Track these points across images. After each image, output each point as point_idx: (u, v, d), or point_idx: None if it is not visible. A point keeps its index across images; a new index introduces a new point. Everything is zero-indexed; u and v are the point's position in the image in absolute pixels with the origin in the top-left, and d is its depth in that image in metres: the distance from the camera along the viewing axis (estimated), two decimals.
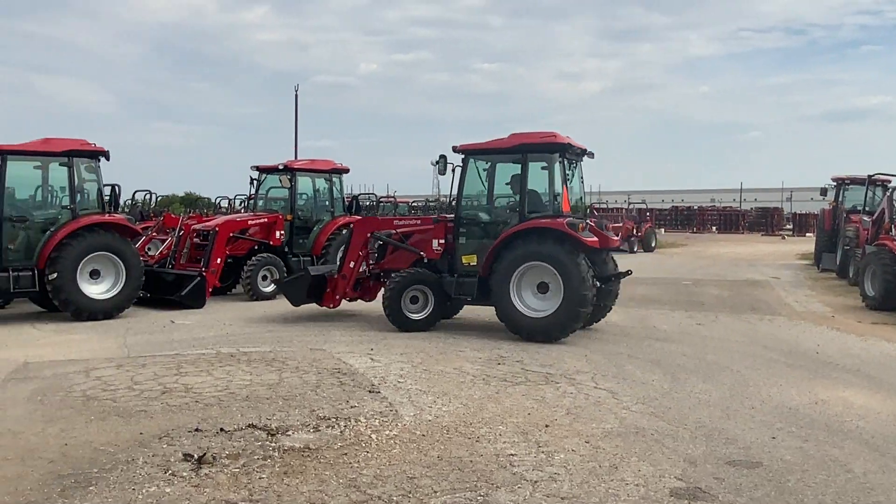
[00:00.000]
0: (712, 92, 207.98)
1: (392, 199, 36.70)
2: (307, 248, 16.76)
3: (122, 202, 14.68)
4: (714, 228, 57.03)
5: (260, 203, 17.38)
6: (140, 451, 5.60)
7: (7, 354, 9.32)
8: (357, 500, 4.73)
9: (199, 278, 14.00)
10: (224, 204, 29.17)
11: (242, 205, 22.84)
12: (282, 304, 14.76)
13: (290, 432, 6.12)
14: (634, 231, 34.32)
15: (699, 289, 18.22)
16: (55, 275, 11.83)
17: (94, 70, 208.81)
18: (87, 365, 8.61)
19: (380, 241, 12.03)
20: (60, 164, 12.52)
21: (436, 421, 6.49)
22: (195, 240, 15.67)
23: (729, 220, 58.31)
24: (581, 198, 12.02)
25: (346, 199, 18.19)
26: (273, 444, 5.78)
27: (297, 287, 12.34)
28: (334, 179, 17.52)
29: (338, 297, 12.15)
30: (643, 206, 44.99)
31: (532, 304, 10.57)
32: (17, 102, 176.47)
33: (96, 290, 12.30)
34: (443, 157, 11.35)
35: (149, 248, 17.60)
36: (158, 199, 30.57)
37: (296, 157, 29.54)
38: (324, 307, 12.46)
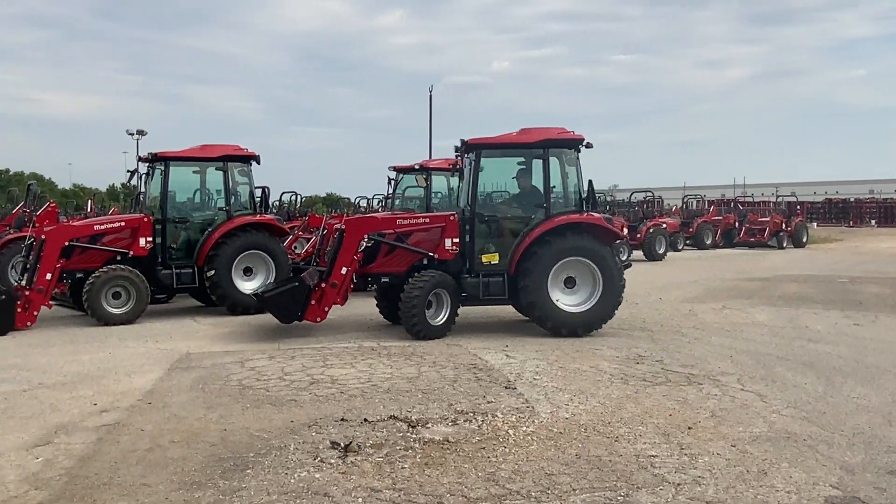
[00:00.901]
0: (869, 75, 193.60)
1: None
2: None
3: (270, 203, 15.43)
4: (873, 222, 53.09)
5: (397, 202, 17.88)
6: (291, 438, 5.92)
7: (172, 345, 10.12)
8: (496, 494, 4.79)
9: None
10: (363, 203, 30.17)
11: (380, 204, 23.54)
12: None
13: (429, 425, 6.28)
14: (783, 226, 32.49)
15: (856, 287, 17.00)
16: (213, 272, 12.70)
17: (243, 79, 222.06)
18: (242, 356, 9.20)
19: (372, 242, 10.48)
20: (216, 169, 13.46)
21: (573, 419, 6.45)
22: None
23: (890, 213, 54.03)
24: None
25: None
26: (414, 436, 5.95)
27: (289, 300, 10.30)
28: None
29: (326, 308, 10.44)
30: (793, 199, 42.42)
31: (564, 299, 10.50)
32: (175, 112, 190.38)
33: (249, 286, 13.08)
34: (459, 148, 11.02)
35: (295, 247, 18.55)
36: (303, 199, 32.03)
37: (430, 156, 30.09)
38: (306, 321, 10.46)
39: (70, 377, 8.20)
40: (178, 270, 12.84)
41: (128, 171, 13.79)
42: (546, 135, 10.67)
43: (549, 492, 4.83)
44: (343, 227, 10.38)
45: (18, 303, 11.24)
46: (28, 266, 11.93)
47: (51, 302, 11.91)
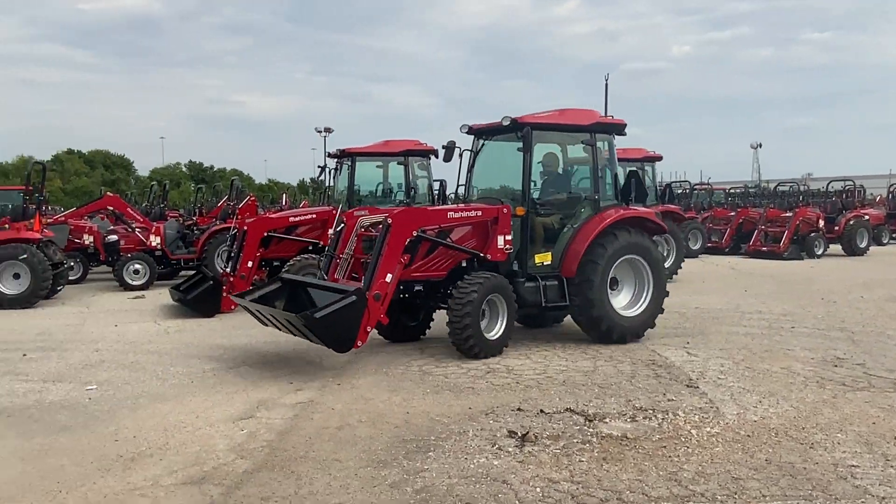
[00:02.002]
0: None
1: (707, 186, 34.94)
2: None
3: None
4: None
5: None
6: (469, 425, 6.07)
7: None
8: (679, 495, 4.64)
9: None
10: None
11: None
12: None
13: (606, 419, 6.19)
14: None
15: None
16: None
17: (421, 76, 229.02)
18: (420, 343, 9.55)
19: (426, 241, 8.54)
20: (398, 163, 14.00)
21: (762, 422, 6.10)
22: None
23: None
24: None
25: (658, 188, 17.79)
26: (591, 430, 5.90)
27: (345, 319, 7.63)
28: (646, 167, 17.21)
29: (368, 329, 7.84)
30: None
31: (612, 302, 9.37)
32: (357, 110, 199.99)
33: None
34: (452, 142, 9.62)
35: None
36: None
37: None
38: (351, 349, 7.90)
39: (269, 357, 8.90)
40: None
41: (318, 166, 14.70)
42: (594, 118, 9.67)
43: (736, 496, 4.61)
44: (389, 220, 8.24)
45: (224, 288, 12.33)
46: (231, 254, 13.04)
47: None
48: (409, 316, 9.61)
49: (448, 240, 8.73)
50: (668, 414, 6.31)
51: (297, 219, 13.65)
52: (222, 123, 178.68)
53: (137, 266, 16.01)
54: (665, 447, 5.50)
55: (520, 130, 8.94)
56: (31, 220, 14.07)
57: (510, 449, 5.46)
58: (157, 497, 4.67)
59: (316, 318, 7.39)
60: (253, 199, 20.04)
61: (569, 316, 9.80)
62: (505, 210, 8.86)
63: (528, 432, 5.75)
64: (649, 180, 17.08)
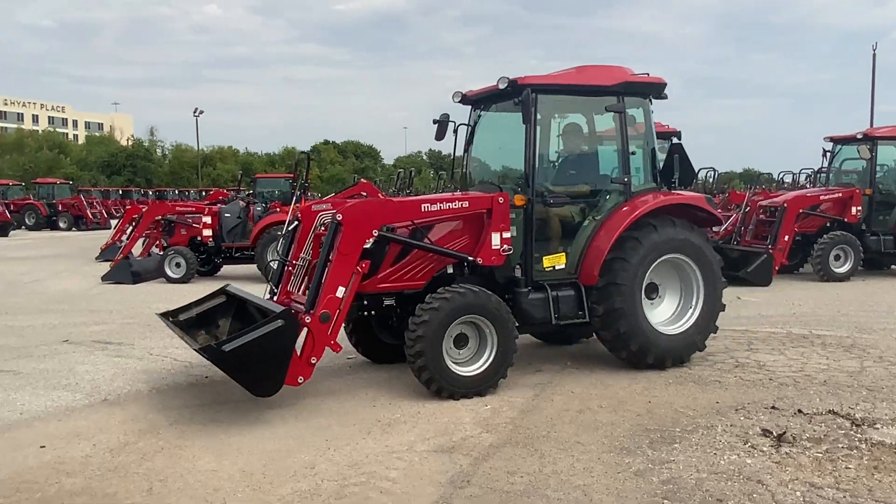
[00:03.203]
0: None
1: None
2: (889, 226, 15.02)
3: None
4: None
5: (830, 177, 16.17)
6: (717, 420, 5.79)
7: None
8: None
9: (765, 255, 13.74)
10: (787, 179, 27.85)
11: (808, 179, 21.48)
12: (858, 288, 13.57)
13: (877, 426, 5.59)
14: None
15: None
16: None
17: (659, 55, 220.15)
18: None
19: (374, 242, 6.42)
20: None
21: None
22: (761, 216, 15.41)
23: None
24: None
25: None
26: (859, 436, 5.36)
27: (267, 351, 5.69)
28: None
29: (313, 360, 5.97)
30: None
31: (649, 315, 7.30)
32: None
33: None
34: (445, 116, 7.85)
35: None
36: (717, 175, 30.77)
37: (871, 124, 26.46)
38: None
39: None
40: None
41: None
42: (622, 76, 7.33)
43: None
44: (339, 217, 6.28)
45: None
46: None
47: None
48: (391, 333, 7.56)
49: (425, 240, 6.70)
50: None
51: None
52: (463, 117, 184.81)
53: None
54: None
55: (518, 95, 6.81)
56: (299, 205, 15.64)
57: (765, 448, 5.13)
58: (412, 461, 5.00)
59: (224, 351, 5.53)
60: None
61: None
62: (501, 200, 6.79)
63: (784, 432, 5.37)
64: None
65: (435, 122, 7.79)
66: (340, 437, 5.49)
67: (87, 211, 37.32)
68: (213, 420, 5.87)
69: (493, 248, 6.74)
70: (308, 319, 5.93)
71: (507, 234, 6.79)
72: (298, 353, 5.89)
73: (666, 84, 7.55)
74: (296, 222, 6.95)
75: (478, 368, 6.45)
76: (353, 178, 36.18)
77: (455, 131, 7.82)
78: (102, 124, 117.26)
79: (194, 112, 64.62)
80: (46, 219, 38.11)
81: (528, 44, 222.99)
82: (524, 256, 7.00)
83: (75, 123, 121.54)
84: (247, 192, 23.49)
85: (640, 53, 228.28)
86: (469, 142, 7.95)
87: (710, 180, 27.43)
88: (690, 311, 7.44)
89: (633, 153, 7.33)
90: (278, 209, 16.06)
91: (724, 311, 7.59)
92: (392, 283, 6.63)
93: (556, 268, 7.11)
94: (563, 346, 8.51)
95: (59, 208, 38.60)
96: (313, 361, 5.97)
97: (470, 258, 6.75)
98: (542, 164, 7.46)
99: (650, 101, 7.59)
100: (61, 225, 37.77)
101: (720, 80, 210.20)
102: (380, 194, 19.70)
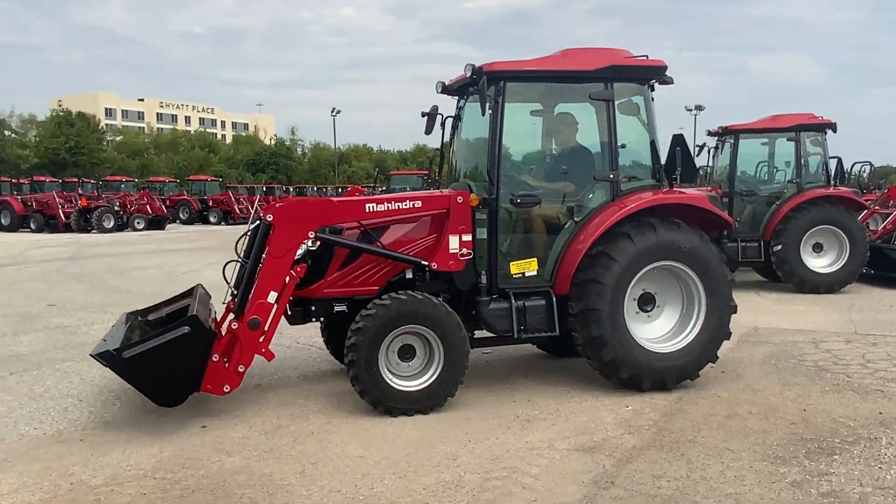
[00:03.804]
0: None
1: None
2: None
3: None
4: None
5: None
6: (882, 431, 5.40)
7: (737, 318, 10.06)
8: None
9: None
10: None
11: None
12: None
13: None
14: None
15: None
16: (779, 246, 12.31)
17: (806, 43, 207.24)
18: (814, 336, 8.74)
19: (319, 244, 6.18)
20: (787, 140, 12.89)
21: None
22: None
23: None
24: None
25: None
26: None
27: (172, 359, 5.43)
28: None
29: (241, 368, 5.71)
30: None
31: (641, 331, 6.49)
32: (731, 84, 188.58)
33: (818, 264, 12.42)
34: (434, 108, 7.04)
35: (869, 223, 16.70)
36: (872, 170, 28.71)
37: None
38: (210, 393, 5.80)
39: None
40: (743, 244, 12.78)
41: (697, 146, 14.18)
42: (610, 59, 6.50)
43: None
44: (269, 218, 5.91)
45: None
46: None
47: None
48: None
49: (376, 243, 6.17)
50: None
51: None
52: None
53: None
54: None
55: (491, 84, 6.13)
56: None
57: None
58: (553, 459, 4.97)
59: (123, 358, 5.30)
60: None
61: None
62: (460, 199, 6.21)
63: None
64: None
65: (423, 115, 7.05)
66: (480, 430, 5.54)
67: (235, 206, 39.60)
68: (358, 408, 6.06)
69: (451, 251, 6.15)
70: (235, 326, 5.68)
71: (466, 237, 6.20)
72: (225, 361, 5.65)
73: (666, 67, 6.60)
74: (258, 221, 6.12)
75: (421, 384, 5.87)
76: None
77: (442, 124, 7.12)
78: (247, 124, 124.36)
79: (332, 112, 67.16)
80: (198, 213, 40.78)
81: (662, 34, 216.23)
82: (489, 262, 6.36)
83: (223, 124, 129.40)
84: (381, 189, 24.15)
85: (787, 40, 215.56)
86: (452, 135, 7.28)
87: (865, 176, 25.67)
88: (691, 324, 6.54)
89: (623, 146, 6.54)
90: None
91: (735, 313, 6.68)
92: (340, 288, 6.15)
93: (527, 274, 6.41)
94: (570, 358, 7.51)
95: (210, 204, 41.18)
96: (241, 370, 5.69)
97: (423, 263, 6.16)
98: (513, 160, 6.89)
99: (651, 87, 6.74)
100: (211, 219, 40.28)
101: (877, 68, 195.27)
102: None
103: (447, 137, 7.30)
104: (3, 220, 32.72)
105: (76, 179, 42.43)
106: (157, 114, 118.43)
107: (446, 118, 7.13)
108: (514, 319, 6.21)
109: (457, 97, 7.22)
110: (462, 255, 6.18)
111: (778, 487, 4.46)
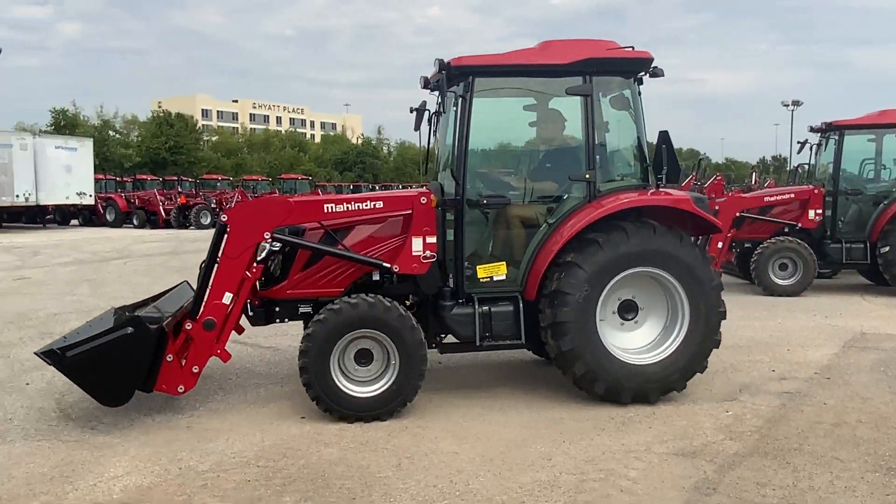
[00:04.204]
0: None
1: None
2: None
3: None
4: None
5: None
6: None
7: (842, 322, 9.69)
8: None
9: None
10: None
11: None
12: None
13: None
14: None
15: None
16: (887, 248, 11.71)
17: None
18: None
19: (279, 245, 6.05)
20: None
21: None
22: None
23: None
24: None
25: None
26: None
27: (112, 360, 5.44)
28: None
29: (195, 369, 5.70)
30: None
31: (620, 341, 6.11)
32: (831, 78, 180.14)
33: None
34: (422, 104, 6.39)
35: None
36: None
37: None
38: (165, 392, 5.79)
39: (744, 341, 8.59)
40: (847, 245, 12.21)
41: (798, 142, 13.60)
42: (587, 52, 6.08)
43: None
44: (224, 219, 5.86)
45: None
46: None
47: (721, 269, 12.67)
48: None
49: (340, 244, 6.00)
50: None
51: (773, 199, 12.87)
52: (681, 102, 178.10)
53: None
54: None
55: (461, 79, 6.02)
56: None
57: None
58: (652, 462, 4.86)
59: (66, 356, 5.32)
60: (720, 178, 19.56)
61: None
62: (424, 200, 6.00)
63: None
64: None
65: (412, 110, 6.43)
66: (574, 431, 5.48)
67: None
68: (451, 404, 6.10)
69: (414, 254, 5.92)
70: (189, 326, 5.63)
71: (431, 239, 5.95)
72: (179, 361, 5.64)
73: (651, 59, 6.15)
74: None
75: (376, 390, 5.69)
76: None
77: (430, 120, 6.66)
78: (335, 124, 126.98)
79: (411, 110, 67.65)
80: None
81: (758, 28, 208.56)
82: (455, 264, 6.12)
83: (312, 124, 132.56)
84: None
85: (891, 32, 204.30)
86: (436, 131, 6.95)
87: None
88: (674, 333, 6.10)
89: (603, 145, 6.24)
90: None
91: (724, 319, 6.16)
92: (303, 289, 6.01)
93: (495, 279, 6.13)
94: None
95: None
96: (195, 370, 5.66)
97: (385, 265, 5.94)
98: (492, 156, 6.53)
99: (638, 81, 6.33)
100: None
101: None
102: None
103: (432, 133, 6.95)
104: (108, 216, 34.38)
105: (175, 178, 44.35)
106: (250, 114, 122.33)
107: (434, 114, 6.65)
108: (478, 325, 5.94)
109: (437, 93, 6.53)
110: (425, 257, 5.93)
111: (892, 500, 4.24)
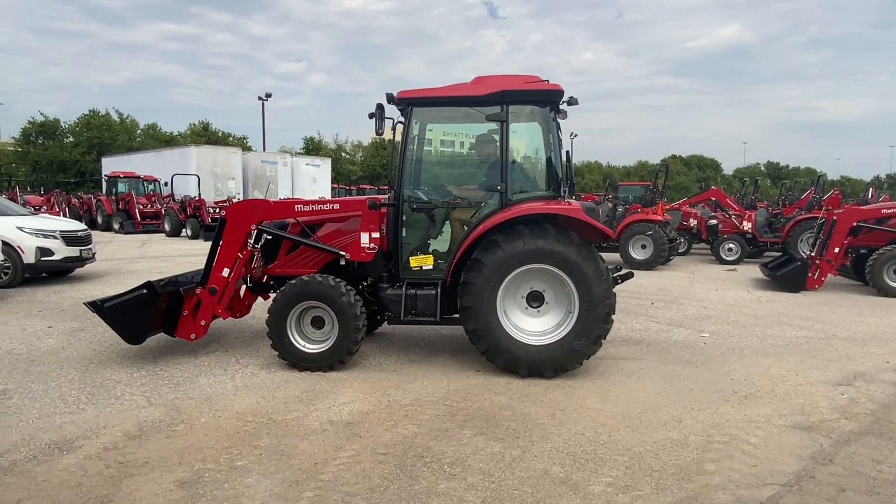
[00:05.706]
0: None
1: None
2: None
3: None
4: None
5: None
6: None
7: None
8: None
9: None
10: None
11: None
12: None
13: None
14: None
15: None
16: None
17: None
18: None
19: (268, 235, 6.33)
20: None
21: None
22: None
23: None
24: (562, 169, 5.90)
25: None
26: None
27: (134, 312, 6.02)
28: None
29: (203, 322, 6.12)
30: None
31: (524, 324, 5.71)
32: None
33: None
34: (379, 106, 5.63)
35: None
36: None
37: None
38: (180, 338, 6.23)
39: (859, 334, 7.61)
40: None
41: None
42: (505, 84, 5.76)
43: None
44: (223, 213, 6.39)
45: (810, 269, 11.06)
46: (818, 241, 11.57)
47: (836, 271, 11.31)
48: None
49: (312, 237, 6.20)
50: None
51: (890, 211, 11.26)
52: (800, 128, 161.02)
53: (731, 245, 15.76)
54: None
55: (396, 106, 5.89)
56: (655, 207, 15.05)
57: None
58: (771, 432, 4.44)
59: (104, 307, 5.96)
60: (837, 192, 17.50)
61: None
62: (369, 204, 6.06)
63: None
64: None
65: (370, 116, 5.84)
66: (702, 401, 5.12)
67: None
68: (596, 369, 5.92)
69: (362, 245, 6.05)
70: (198, 291, 6.09)
71: (375, 235, 6.01)
72: (192, 315, 6.11)
73: (562, 91, 5.76)
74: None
75: (321, 347, 5.84)
76: (700, 186, 33.71)
77: (393, 128, 6.07)
78: None
79: (570, 135, 66.24)
80: None
81: (878, 61, 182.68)
82: (394, 255, 6.07)
83: None
84: (610, 196, 23.33)
85: None
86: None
87: None
88: (567, 322, 5.64)
89: (514, 161, 5.91)
90: (639, 209, 15.63)
91: (613, 312, 5.56)
92: (288, 269, 6.32)
93: (424, 268, 6.02)
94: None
95: None
96: (203, 323, 6.10)
97: (342, 253, 6.08)
98: (422, 171, 6.28)
99: (554, 110, 5.88)
100: None
101: None
102: (727, 199, 18.04)
103: (398, 140, 6.37)
104: None
105: (387, 186, 46.45)
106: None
107: (396, 122, 6.11)
108: (404, 304, 5.89)
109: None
110: (370, 248, 6.04)
111: None
